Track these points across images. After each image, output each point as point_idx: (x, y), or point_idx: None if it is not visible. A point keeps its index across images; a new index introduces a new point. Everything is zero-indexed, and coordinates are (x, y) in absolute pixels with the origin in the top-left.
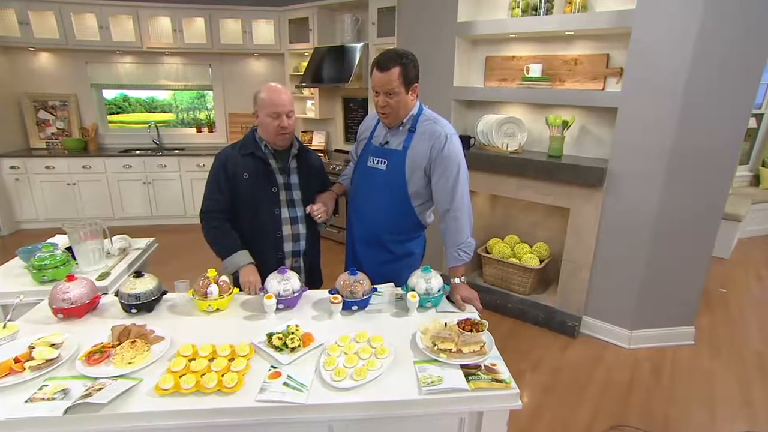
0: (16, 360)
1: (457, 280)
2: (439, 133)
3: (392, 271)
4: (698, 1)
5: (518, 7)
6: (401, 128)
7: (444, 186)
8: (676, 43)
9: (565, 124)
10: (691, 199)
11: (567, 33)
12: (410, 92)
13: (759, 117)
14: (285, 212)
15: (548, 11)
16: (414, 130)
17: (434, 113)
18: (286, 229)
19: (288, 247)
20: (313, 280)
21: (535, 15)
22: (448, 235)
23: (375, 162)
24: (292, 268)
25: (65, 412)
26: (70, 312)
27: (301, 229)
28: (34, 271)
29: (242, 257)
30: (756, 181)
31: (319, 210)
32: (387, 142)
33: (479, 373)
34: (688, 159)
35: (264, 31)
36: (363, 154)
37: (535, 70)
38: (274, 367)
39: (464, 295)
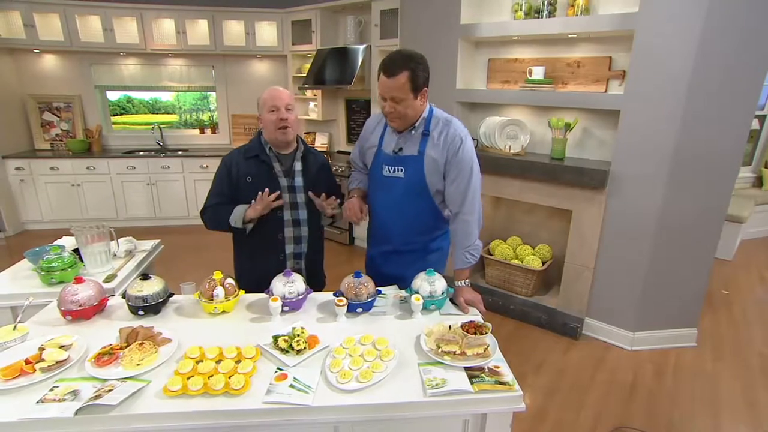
0: (27, 361)
1: (461, 283)
2: (454, 135)
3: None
4: (701, 3)
5: (521, 9)
6: (413, 133)
7: (457, 189)
8: (679, 45)
9: (568, 127)
10: (694, 200)
11: (569, 35)
12: (419, 97)
13: (762, 118)
14: (287, 215)
15: (551, 14)
16: (428, 133)
17: (445, 113)
18: (288, 232)
19: (290, 249)
20: (314, 283)
21: (538, 18)
22: (457, 236)
23: (391, 171)
24: (292, 270)
25: (76, 413)
26: (78, 314)
27: (304, 231)
28: (43, 273)
29: (241, 207)
30: (759, 182)
31: (330, 203)
32: (401, 149)
33: (483, 375)
34: (691, 161)
35: (267, 32)
36: (375, 165)
37: (538, 72)
38: (281, 369)
39: (468, 297)
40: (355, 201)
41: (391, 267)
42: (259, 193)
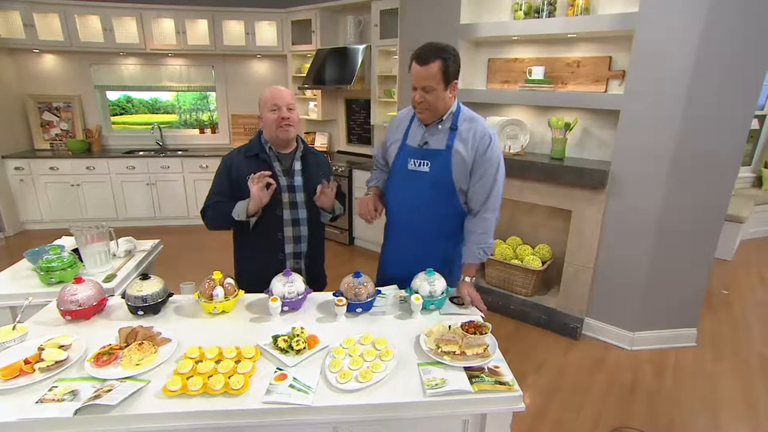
0: (26, 361)
1: (467, 279)
2: (483, 133)
3: (444, 275)
4: (701, 3)
5: (521, 9)
6: (440, 126)
7: (482, 187)
8: (679, 45)
9: (568, 126)
10: (694, 200)
11: (569, 35)
12: (449, 89)
13: (761, 118)
14: (287, 214)
15: (551, 14)
16: (456, 127)
17: (471, 111)
18: (288, 231)
19: (289, 248)
20: (315, 283)
21: (538, 17)
22: (474, 233)
23: (416, 164)
24: (292, 270)
25: (75, 413)
26: (77, 314)
27: (303, 231)
28: (42, 273)
29: (244, 201)
30: (758, 182)
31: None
32: (426, 143)
33: (483, 375)
34: (691, 161)
35: (267, 32)
36: (400, 159)
37: (538, 72)
38: (280, 369)
39: (472, 293)
40: (369, 198)
41: (410, 268)
42: (249, 181)
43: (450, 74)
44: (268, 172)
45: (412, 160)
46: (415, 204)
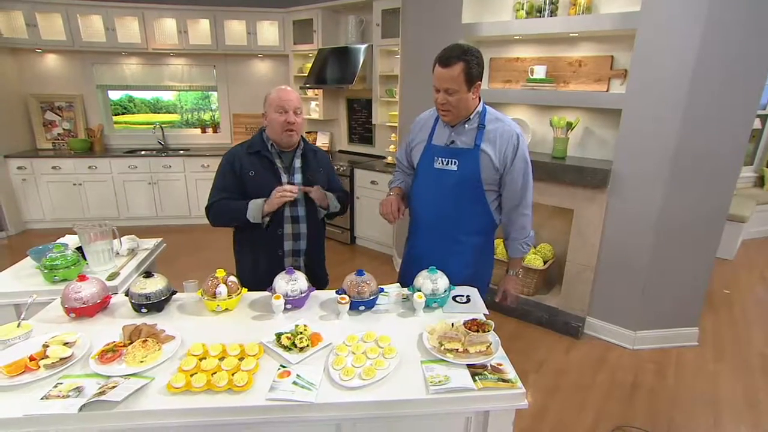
0: (31, 358)
1: (512, 272)
2: (511, 132)
3: (469, 274)
4: (702, 2)
5: (522, 9)
6: (467, 126)
7: (516, 185)
8: (681, 44)
9: (569, 126)
10: (696, 200)
11: (571, 35)
12: (472, 90)
13: (763, 118)
14: (287, 211)
15: (552, 13)
16: (483, 126)
17: (496, 111)
18: (287, 228)
19: (288, 245)
20: (315, 281)
21: (540, 17)
22: (513, 229)
23: (444, 163)
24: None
25: (80, 409)
26: (81, 311)
27: (302, 228)
28: (46, 271)
29: (257, 202)
30: (760, 182)
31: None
32: (453, 142)
33: (485, 372)
34: (693, 160)
35: (268, 32)
36: (426, 158)
37: (540, 71)
38: (284, 367)
39: (511, 289)
40: (393, 198)
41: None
42: (277, 190)
43: (473, 76)
44: (295, 188)
45: (439, 159)
46: (442, 203)
